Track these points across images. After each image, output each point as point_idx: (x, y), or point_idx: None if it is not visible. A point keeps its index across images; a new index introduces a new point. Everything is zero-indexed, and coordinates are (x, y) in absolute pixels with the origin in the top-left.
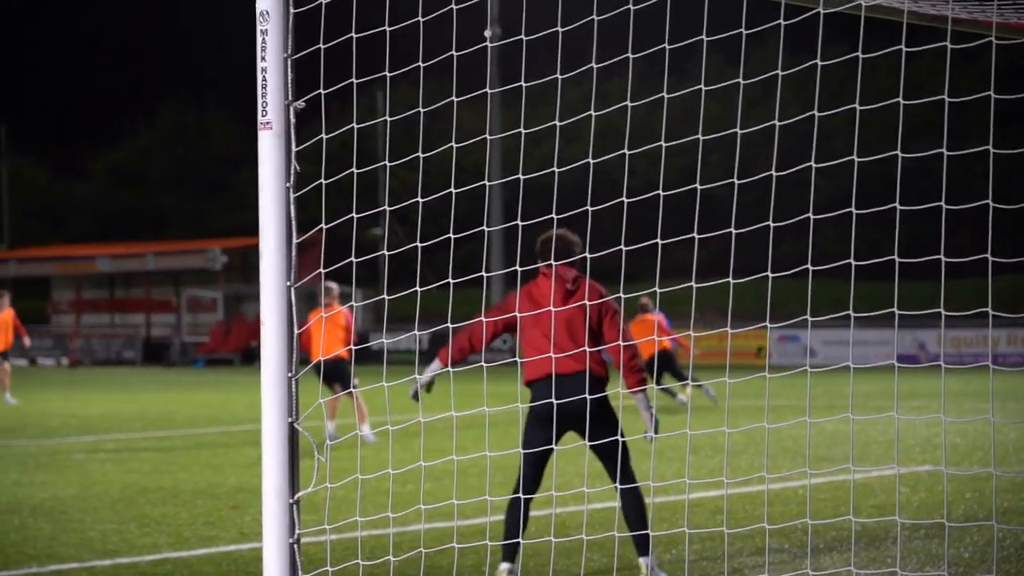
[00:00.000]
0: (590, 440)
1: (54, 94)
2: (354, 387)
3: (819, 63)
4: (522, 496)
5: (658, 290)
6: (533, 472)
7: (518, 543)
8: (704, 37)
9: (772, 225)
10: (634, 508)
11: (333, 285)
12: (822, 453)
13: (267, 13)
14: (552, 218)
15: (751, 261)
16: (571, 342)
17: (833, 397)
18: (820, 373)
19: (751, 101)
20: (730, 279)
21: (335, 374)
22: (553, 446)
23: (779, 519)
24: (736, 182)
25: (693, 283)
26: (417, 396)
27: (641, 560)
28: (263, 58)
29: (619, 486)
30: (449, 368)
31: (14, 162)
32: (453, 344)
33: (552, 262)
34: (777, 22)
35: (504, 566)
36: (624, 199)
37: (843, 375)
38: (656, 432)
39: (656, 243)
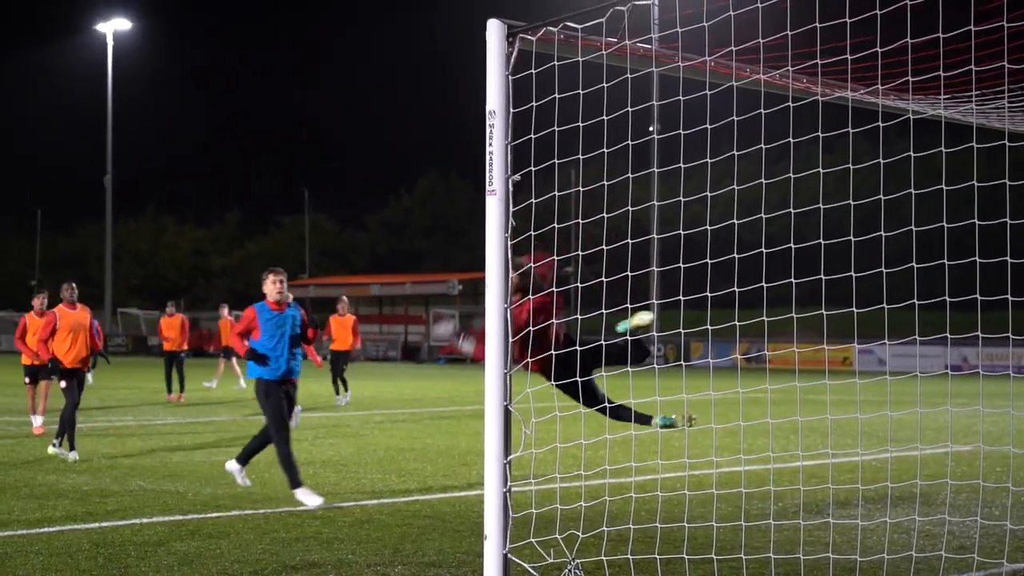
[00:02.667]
0: None
1: (341, 169)
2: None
3: (912, 154)
4: None
5: (766, 319)
6: None
7: None
8: (820, 133)
9: (854, 275)
10: None
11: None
12: (891, 435)
13: (494, 112)
14: (706, 262)
15: (840, 292)
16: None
17: (898, 395)
18: (893, 380)
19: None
20: (823, 311)
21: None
22: None
23: (864, 482)
24: (823, 243)
25: (794, 313)
26: None
27: None
28: (490, 144)
29: None
30: (604, 374)
31: (313, 217)
32: None
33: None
34: (876, 124)
35: None
36: (763, 249)
37: (908, 380)
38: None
39: (762, 285)
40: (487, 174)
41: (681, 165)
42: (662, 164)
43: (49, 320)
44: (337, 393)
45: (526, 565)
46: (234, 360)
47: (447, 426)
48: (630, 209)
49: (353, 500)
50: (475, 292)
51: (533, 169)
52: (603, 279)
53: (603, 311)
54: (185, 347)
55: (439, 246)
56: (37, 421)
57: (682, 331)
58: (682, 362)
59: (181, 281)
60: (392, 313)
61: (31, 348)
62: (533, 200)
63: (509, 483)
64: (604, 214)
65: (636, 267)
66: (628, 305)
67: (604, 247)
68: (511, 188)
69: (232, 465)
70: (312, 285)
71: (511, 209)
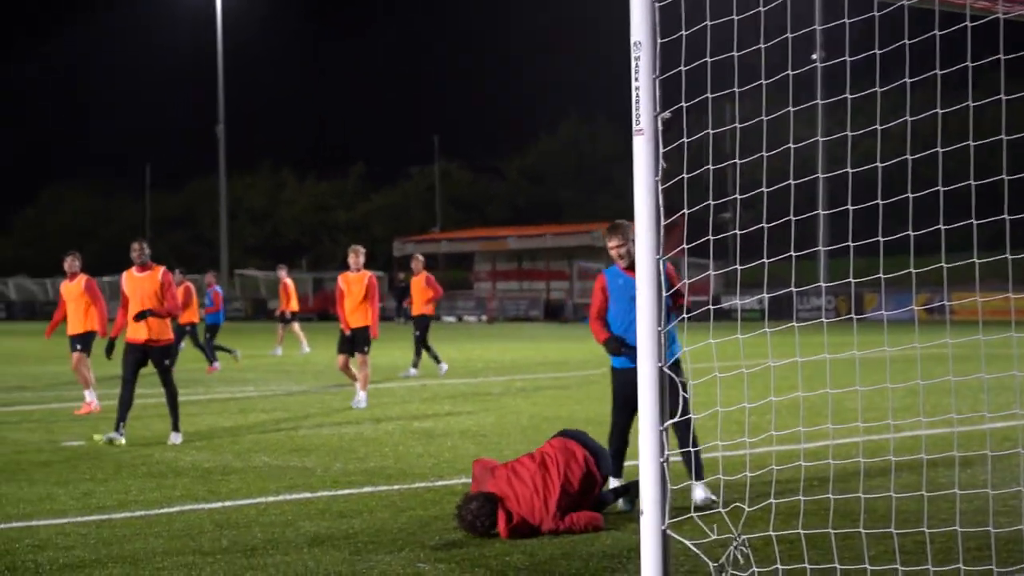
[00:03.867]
0: None
1: (475, 112)
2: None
3: None
4: None
5: (945, 265)
6: None
7: None
8: (1002, 56)
9: None
10: None
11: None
12: None
13: (639, 43)
14: (878, 203)
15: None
16: None
17: None
18: None
19: None
20: (1008, 255)
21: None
22: None
23: None
24: (1006, 178)
25: (975, 259)
26: None
27: None
28: (636, 79)
29: None
30: (767, 330)
31: (443, 165)
32: None
33: None
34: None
35: None
36: (940, 187)
37: None
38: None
39: (940, 228)
40: (633, 113)
41: (848, 96)
42: (827, 96)
43: (121, 288)
44: (437, 361)
45: (687, 542)
46: (296, 325)
47: (596, 391)
48: (792, 147)
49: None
50: None
51: (684, 105)
52: (763, 225)
53: (764, 260)
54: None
55: (582, 194)
56: (88, 396)
57: (852, 280)
58: (853, 315)
59: (303, 239)
60: (532, 268)
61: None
62: (685, 140)
63: (667, 452)
64: (763, 153)
65: (800, 211)
66: (792, 254)
67: (764, 189)
68: (660, 127)
69: (699, 494)
70: (444, 240)
71: (661, 150)
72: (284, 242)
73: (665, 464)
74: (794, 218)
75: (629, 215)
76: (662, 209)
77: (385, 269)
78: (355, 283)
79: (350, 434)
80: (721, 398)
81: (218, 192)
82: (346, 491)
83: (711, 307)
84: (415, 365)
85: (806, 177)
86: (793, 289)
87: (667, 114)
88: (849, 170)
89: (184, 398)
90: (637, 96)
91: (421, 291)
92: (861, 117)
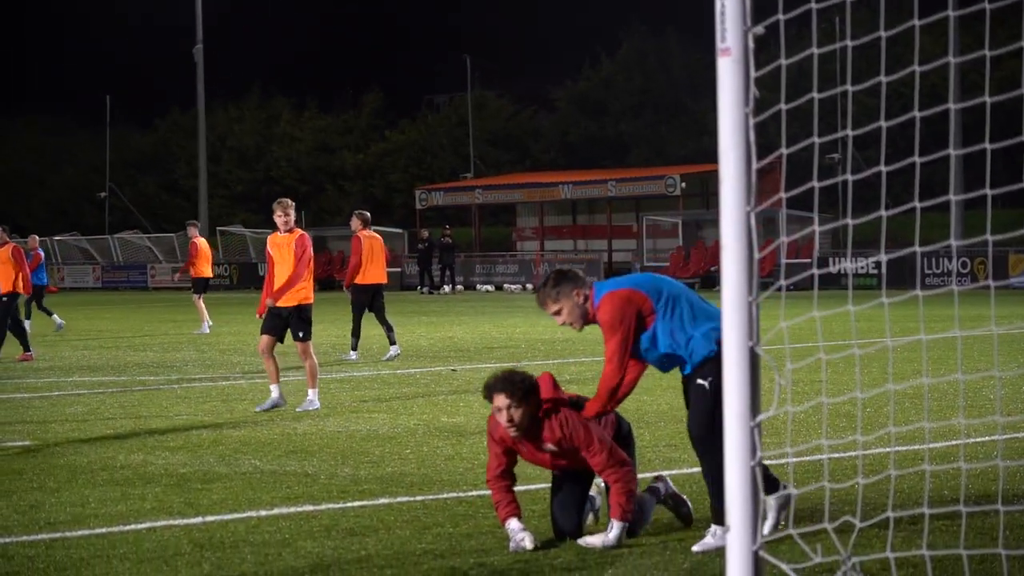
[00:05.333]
0: None
1: (516, 28)
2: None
3: None
4: None
5: None
6: None
7: None
8: None
9: None
10: None
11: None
12: None
13: None
14: (1023, 141)
15: None
16: None
17: None
18: None
19: None
20: None
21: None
22: None
23: None
24: None
25: None
26: None
27: None
28: None
29: None
30: (885, 300)
31: (478, 94)
32: None
33: None
34: None
35: None
36: None
37: None
38: None
39: None
40: (718, 27)
41: (987, 5)
42: (961, 5)
43: None
44: (354, 345)
45: (783, 566)
46: (201, 298)
47: (670, 379)
48: (917, 69)
49: (545, 481)
50: (704, 191)
51: (782, 18)
52: (881, 168)
53: (882, 213)
54: (18, 288)
55: (652, 129)
56: None
57: (991, 237)
58: (991, 282)
59: (301, 187)
60: (591, 223)
61: None
62: (783, 61)
63: (759, 454)
64: (881, 78)
65: (927, 151)
66: (916, 204)
67: (882, 123)
68: (752, 45)
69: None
70: (478, 188)
71: (752, 74)
72: (278, 190)
73: (756, 469)
74: (919, 159)
75: (711, 154)
76: (754, 148)
77: (404, 226)
78: (284, 247)
79: (361, 432)
80: (827, 386)
81: (196, 128)
82: (357, 503)
83: (815, 271)
84: (393, 342)
85: (935, 107)
86: (917, 248)
87: (760, 29)
88: (987, 99)
89: (153, 388)
90: (723, 6)
91: (374, 255)
92: (1003, 32)
